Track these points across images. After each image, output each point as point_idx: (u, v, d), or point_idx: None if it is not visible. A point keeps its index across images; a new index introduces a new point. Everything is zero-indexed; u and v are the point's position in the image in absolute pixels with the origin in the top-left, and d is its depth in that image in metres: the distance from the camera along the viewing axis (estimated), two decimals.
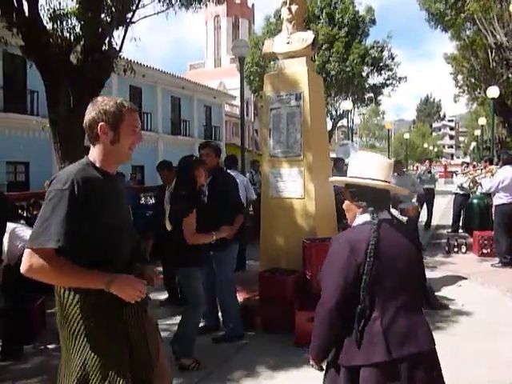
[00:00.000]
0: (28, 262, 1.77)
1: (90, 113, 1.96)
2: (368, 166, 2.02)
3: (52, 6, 7.47)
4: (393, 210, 6.56)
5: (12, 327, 4.05)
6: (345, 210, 2.14)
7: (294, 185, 5.09)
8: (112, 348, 1.86)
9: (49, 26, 7.43)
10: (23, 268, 1.77)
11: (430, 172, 11.20)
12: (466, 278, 6.57)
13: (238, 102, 31.58)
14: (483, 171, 9.62)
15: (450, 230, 10.53)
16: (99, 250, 1.87)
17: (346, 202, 2.11)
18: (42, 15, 7.22)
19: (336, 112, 26.80)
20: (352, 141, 25.27)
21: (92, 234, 1.84)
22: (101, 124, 1.92)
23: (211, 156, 4.40)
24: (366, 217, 2.00)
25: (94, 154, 1.96)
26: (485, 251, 8.00)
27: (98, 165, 1.94)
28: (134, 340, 1.93)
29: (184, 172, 3.88)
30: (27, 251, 1.77)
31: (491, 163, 9.91)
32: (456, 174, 11.26)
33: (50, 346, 4.30)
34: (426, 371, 1.83)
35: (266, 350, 4.11)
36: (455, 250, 8.38)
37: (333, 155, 12.35)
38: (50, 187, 1.83)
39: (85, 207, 1.80)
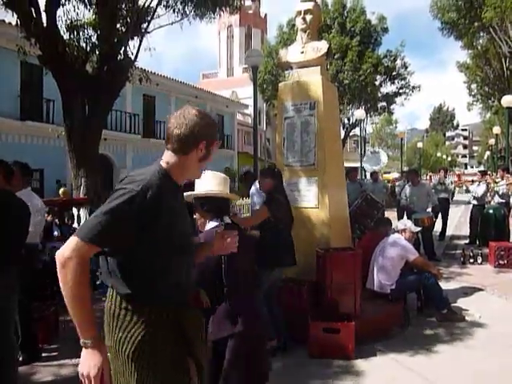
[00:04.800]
0: (70, 249, 1.61)
1: (193, 125, 1.81)
2: (208, 182, 2.63)
3: (69, 17, 7.62)
4: (407, 221, 6.46)
5: (29, 328, 4.07)
6: (198, 220, 2.70)
7: (308, 194, 5.07)
8: (178, 376, 1.79)
9: (66, 35, 7.58)
10: (61, 252, 1.61)
11: (442, 183, 11.01)
12: (482, 290, 6.46)
13: (250, 110, 31.73)
14: (502, 181, 9.47)
15: (466, 242, 10.33)
16: (167, 260, 1.78)
17: (198, 212, 2.70)
18: (59, 25, 7.35)
19: (349, 121, 26.73)
20: (364, 150, 25.16)
21: (162, 243, 1.74)
22: (204, 142, 1.83)
23: None
24: (214, 222, 2.62)
25: (172, 163, 1.84)
26: (501, 262, 7.86)
27: (171, 174, 1.84)
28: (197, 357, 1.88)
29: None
30: (72, 238, 1.63)
31: (507, 172, 9.78)
32: (472, 182, 11.01)
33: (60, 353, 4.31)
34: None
35: (279, 362, 4.06)
36: (471, 260, 8.24)
37: (352, 165, 12.35)
38: (120, 184, 1.73)
39: (153, 215, 1.70)
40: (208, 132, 1.85)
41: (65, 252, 1.61)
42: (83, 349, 1.65)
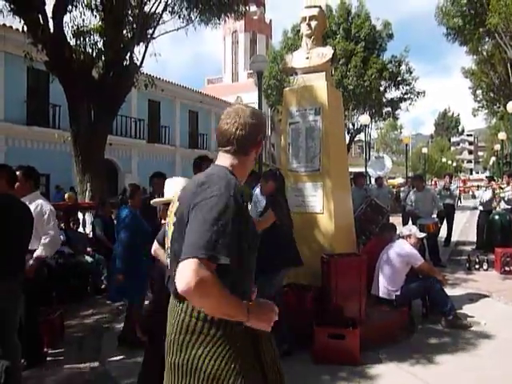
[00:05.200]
0: (196, 275, 1.42)
1: (253, 125, 1.76)
2: (178, 187, 2.44)
3: (76, 23, 7.68)
4: (412, 226, 6.43)
5: (34, 332, 4.08)
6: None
7: (313, 200, 5.07)
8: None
9: (72, 42, 7.63)
10: (187, 283, 1.42)
11: (447, 189, 10.96)
12: (488, 296, 6.41)
13: None
14: (508, 187, 9.42)
15: (474, 248, 10.28)
16: (247, 263, 1.68)
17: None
18: (66, 32, 7.42)
19: (353, 126, 26.72)
20: (369, 155, 25.13)
21: (247, 246, 1.65)
22: (260, 137, 1.80)
23: None
24: None
25: (235, 165, 1.76)
26: (507, 268, 7.80)
27: (236, 176, 1.74)
28: (268, 370, 1.77)
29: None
30: (192, 261, 1.43)
31: None
32: (478, 188, 10.94)
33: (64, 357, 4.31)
34: None
35: (283, 367, 4.03)
36: (476, 266, 8.19)
37: (357, 169, 12.35)
38: (206, 193, 1.57)
39: (245, 218, 1.63)
40: (263, 131, 1.82)
41: (190, 281, 1.42)
42: (250, 319, 1.57)
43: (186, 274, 1.43)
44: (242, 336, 1.63)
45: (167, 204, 2.56)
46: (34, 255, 3.97)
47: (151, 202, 2.92)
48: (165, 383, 1.75)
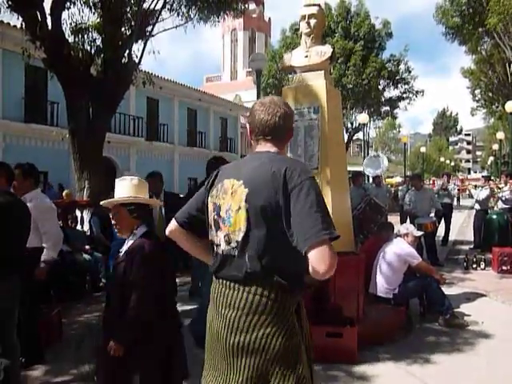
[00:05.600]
0: (334, 255, 1.58)
1: (289, 116, 1.91)
2: (129, 188, 2.61)
3: (74, 20, 7.65)
4: (410, 225, 6.45)
5: (32, 330, 4.08)
6: (117, 224, 2.61)
7: None
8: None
9: (70, 39, 7.60)
10: (331, 264, 1.56)
11: (445, 189, 10.96)
12: (485, 295, 6.43)
13: None
14: (506, 187, 9.44)
15: (471, 247, 10.31)
16: None
17: (125, 219, 2.59)
18: (64, 29, 7.39)
19: (352, 125, 26.76)
20: (368, 154, 25.15)
21: None
22: (292, 125, 1.97)
23: None
24: (144, 228, 2.59)
25: (279, 152, 1.87)
26: (504, 268, 7.83)
27: None
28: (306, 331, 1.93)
29: None
30: (326, 245, 1.57)
31: (511, 178, 9.74)
32: (476, 187, 10.95)
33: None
34: None
35: None
36: (474, 266, 8.21)
37: (355, 168, 12.33)
38: (302, 177, 1.68)
39: None
40: (293, 119, 2.01)
41: (333, 262, 1.57)
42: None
43: (327, 256, 1.56)
44: (292, 312, 1.76)
45: (127, 205, 2.57)
46: (42, 259, 3.97)
47: (101, 202, 2.79)
48: (213, 366, 1.82)
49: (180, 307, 6.01)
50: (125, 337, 2.41)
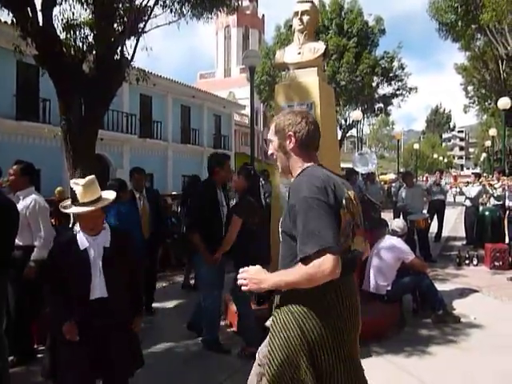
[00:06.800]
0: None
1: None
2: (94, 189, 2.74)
3: (66, 16, 7.56)
4: (402, 221, 6.46)
5: (24, 329, 4.06)
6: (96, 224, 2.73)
7: None
8: None
9: (62, 35, 7.52)
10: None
11: (438, 184, 11.03)
12: (477, 291, 6.47)
13: (247, 111, 31.74)
14: (499, 183, 9.48)
15: (464, 243, 10.37)
16: None
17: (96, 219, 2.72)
18: (55, 25, 7.31)
19: (345, 122, 26.80)
20: (361, 151, 25.19)
21: None
22: None
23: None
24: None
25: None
26: (497, 264, 7.89)
27: None
28: None
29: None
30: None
31: (503, 174, 9.80)
32: (467, 184, 10.99)
33: None
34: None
35: None
36: (466, 262, 8.27)
37: (349, 165, 12.33)
38: None
39: None
40: None
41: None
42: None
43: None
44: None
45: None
46: (32, 258, 3.96)
47: (59, 206, 2.83)
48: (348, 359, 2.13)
49: (176, 301, 6.02)
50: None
